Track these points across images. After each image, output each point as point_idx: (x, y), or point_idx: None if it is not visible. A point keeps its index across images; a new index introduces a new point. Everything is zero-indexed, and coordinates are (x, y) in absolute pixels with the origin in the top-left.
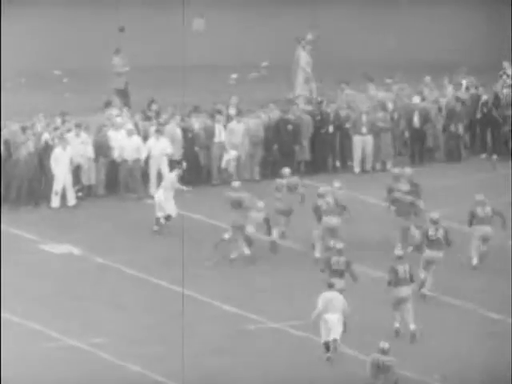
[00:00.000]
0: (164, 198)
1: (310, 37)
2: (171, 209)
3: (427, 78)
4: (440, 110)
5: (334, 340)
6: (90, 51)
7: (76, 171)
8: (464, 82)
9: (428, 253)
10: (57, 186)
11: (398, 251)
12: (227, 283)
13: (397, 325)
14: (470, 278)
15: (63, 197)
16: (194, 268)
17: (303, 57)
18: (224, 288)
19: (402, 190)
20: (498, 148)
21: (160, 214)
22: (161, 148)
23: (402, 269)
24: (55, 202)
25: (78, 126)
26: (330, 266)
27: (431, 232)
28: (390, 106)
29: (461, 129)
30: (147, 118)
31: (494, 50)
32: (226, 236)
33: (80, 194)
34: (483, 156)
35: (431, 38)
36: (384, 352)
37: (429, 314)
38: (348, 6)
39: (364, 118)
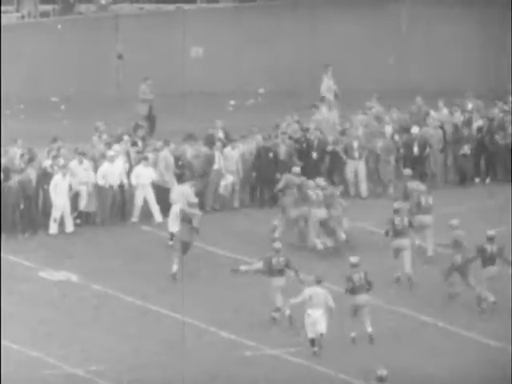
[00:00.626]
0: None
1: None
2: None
3: (418, 99)
4: (444, 134)
5: (321, 335)
6: (88, 78)
7: (74, 198)
8: (470, 106)
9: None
10: (55, 213)
11: (354, 259)
12: (223, 308)
13: (353, 334)
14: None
15: (61, 224)
16: (191, 295)
17: (325, 83)
18: (221, 313)
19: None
20: (490, 172)
21: (173, 229)
22: (147, 176)
23: (358, 277)
24: (53, 228)
25: (81, 153)
26: (271, 265)
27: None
28: (389, 130)
29: (468, 151)
30: (134, 144)
31: (490, 74)
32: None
33: (78, 220)
34: (477, 180)
35: (429, 62)
36: (382, 380)
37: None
38: (347, 30)
39: (355, 143)
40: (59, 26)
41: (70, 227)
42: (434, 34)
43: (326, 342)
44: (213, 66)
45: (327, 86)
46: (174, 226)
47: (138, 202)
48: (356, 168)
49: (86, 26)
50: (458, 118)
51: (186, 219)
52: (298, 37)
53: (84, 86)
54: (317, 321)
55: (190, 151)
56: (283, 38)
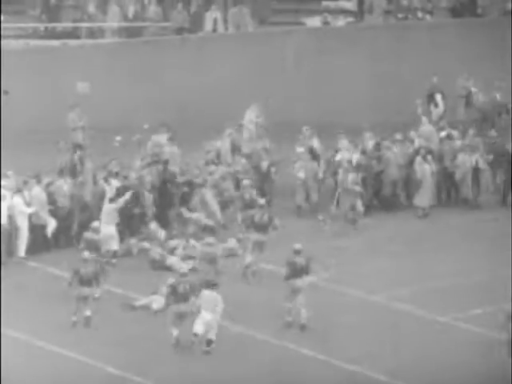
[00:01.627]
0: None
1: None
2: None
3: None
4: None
5: (209, 341)
6: None
7: None
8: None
9: None
10: None
11: (297, 245)
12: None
13: (289, 319)
14: None
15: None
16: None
17: (247, 114)
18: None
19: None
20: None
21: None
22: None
23: (299, 262)
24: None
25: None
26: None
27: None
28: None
29: None
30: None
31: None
32: None
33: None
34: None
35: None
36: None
37: None
38: (234, 63)
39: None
40: None
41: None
42: (321, 66)
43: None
44: (99, 101)
45: (249, 117)
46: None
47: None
48: None
49: None
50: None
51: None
52: (185, 71)
53: None
54: (208, 325)
55: (65, 187)
56: (169, 72)
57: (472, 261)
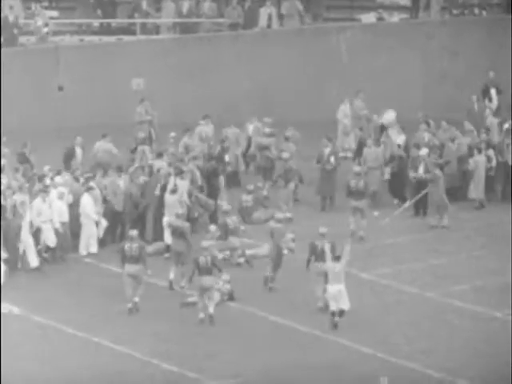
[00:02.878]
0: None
1: None
2: None
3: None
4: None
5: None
6: (29, 110)
7: (36, 234)
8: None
9: None
10: (20, 249)
11: (205, 242)
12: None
13: (201, 315)
14: None
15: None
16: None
17: (341, 110)
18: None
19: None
20: None
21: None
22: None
23: (204, 260)
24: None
25: (43, 190)
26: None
27: None
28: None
29: None
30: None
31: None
32: None
33: (45, 255)
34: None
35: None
36: None
37: None
38: (286, 61)
39: None
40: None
41: (34, 262)
42: (375, 62)
43: None
44: (153, 97)
45: (343, 112)
46: (168, 238)
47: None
48: None
49: (27, 57)
50: None
51: (176, 231)
52: (238, 67)
53: (26, 118)
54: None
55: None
56: (223, 69)
57: None
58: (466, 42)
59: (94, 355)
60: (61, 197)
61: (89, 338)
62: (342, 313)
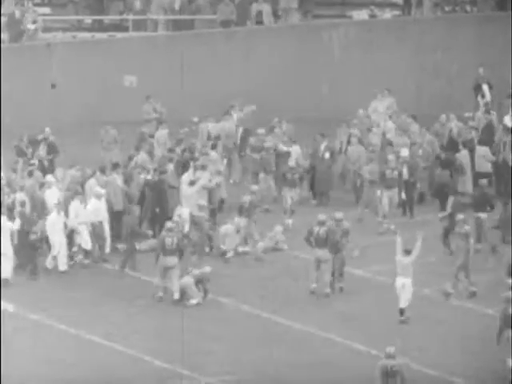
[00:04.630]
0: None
1: None
2: None
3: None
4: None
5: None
6: (22, 107)
7: (70, 235)
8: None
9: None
10: (54, 251)
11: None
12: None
13: (160, 294)
14: None
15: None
16: (130, 323)
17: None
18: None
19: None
20: None
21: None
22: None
23: (170, 240)
24: (50, 263)
25: (79, 193)
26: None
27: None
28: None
29: None
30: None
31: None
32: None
33: (80, 256)
34: None
35: None
36: (390, 357)
37: None
38: (282, 57)
39: None
40: None
41: (63, 265)
42: (367, 59)
43: None
44: (145, 94)
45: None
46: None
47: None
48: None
49: (20, 54)
50: None
51: (194, 222)
52: (231, 64)
53: (18, 115)
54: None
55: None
56: (216, 66)
57: None
58: (458, 39)
59: (87, 352)
60: (98, 197)
61: (81, 334)
62: (402, 311)
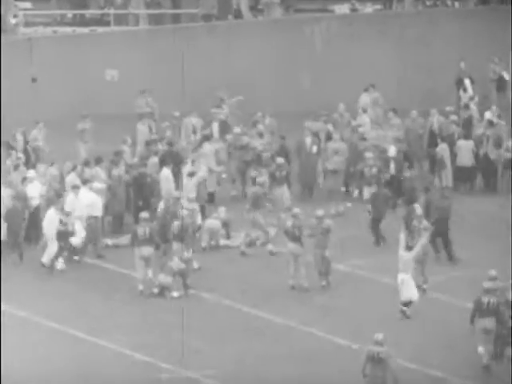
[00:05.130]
0: None
1: None
2: None
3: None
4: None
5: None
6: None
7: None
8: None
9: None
10: (52, 248)
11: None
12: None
13: (140, 287)
14: None
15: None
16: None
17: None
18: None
19: None
20: None
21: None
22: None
23: (142, 230)
24: (46, 259)
25: (75, 186)
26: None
27: None
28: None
29: None
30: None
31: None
32: None
33: (76, 257)
34: None
35: None
36: (378, 343)
37: None
38: (263, 50)
39: None
40: None
41: (60, 265)
42: (349, 53)
43: None
44: (127, 88)
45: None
46: None
47: None
48: None
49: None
50: None
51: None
52: (212, 58)
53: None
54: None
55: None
56: (198, 60)
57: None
58: (440, 33)
59: (71, 347)
60: (97, 191)
61: (66, 330)
62: (407, 303)
